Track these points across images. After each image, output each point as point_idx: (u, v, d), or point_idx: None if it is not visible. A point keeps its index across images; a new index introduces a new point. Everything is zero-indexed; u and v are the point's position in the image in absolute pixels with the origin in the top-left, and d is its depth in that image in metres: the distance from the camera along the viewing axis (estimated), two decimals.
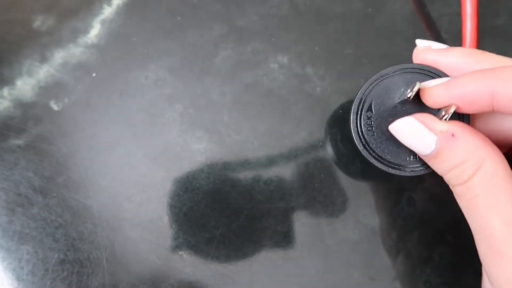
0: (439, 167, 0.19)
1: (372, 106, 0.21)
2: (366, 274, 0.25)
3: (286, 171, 0.26)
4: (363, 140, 0.21)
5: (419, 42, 0.22)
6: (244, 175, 0.26)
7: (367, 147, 0.21)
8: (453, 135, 0.18)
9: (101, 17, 0.26)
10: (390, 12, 0.27)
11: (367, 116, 0.21)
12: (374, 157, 0.21)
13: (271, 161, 0.26)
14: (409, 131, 0.19)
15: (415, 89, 0.19)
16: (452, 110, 0.19)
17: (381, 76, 0.21)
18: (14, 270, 0.24)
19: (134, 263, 0.24)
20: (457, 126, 0.19)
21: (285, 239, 0.25)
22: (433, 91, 0.19)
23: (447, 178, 0.19)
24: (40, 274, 0.24)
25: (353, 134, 0.21)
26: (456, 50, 0.20)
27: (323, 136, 0.26)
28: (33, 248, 0.24)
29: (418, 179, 0.26)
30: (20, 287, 0.24)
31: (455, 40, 0.27)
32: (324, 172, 0.26)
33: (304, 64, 0.26)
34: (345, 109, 0.26)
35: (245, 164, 0.26)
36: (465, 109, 0.19)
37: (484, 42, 0.25)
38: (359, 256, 0.25)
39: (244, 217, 0.25)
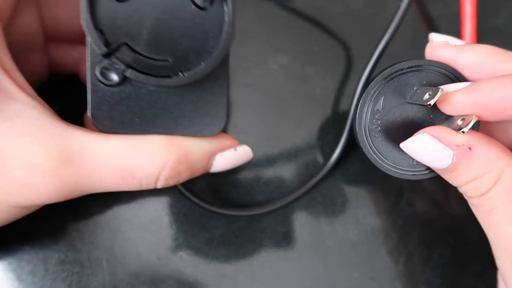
0: (455, 180, 0.18)
1: (381, 103, 0.20)
2: (366, 274, 0.25)
3: (286, 171, 0.26)
4: (368, 139, 0.20)
5: (435, 37, 0.20)
6: (244, 175, 0.26)
7: (372, 147, 0.20)
8: (470, 148, 0.17)
9: None
10: (390, 12, 0.27)
11: (374, 113, 0.20)
12: (377, 158, 0.20)
13: (271, 161, 0.26)
14: (423, 148, 0.18)
15: (438, 95, 0.17)
16: (473, 122, 0.17)
17: (395, 72, 0.20)
18: (14, 270, 0.24)
19: (134, 263, 0.24)
20: (474, 138, 0.17)
21: (285, 239, 0.25)
22: (454, 98, 0.17)
23: (463, 190, 0.18)
24: (40, 274, 0.24)
25: (357, 133, 0.20)
26: (478, 47, 0.19)
27: (323, 137, 0.26)
28: (33, 248, 0.24)
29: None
30: (20, 287, 0.24)
31: None
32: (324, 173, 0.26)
33: (304, 64, 0.26)
34: (345, 109, 0.26)
35: (245, 164, 0.26)
36: (488, 117, 0.17)
37: (483, 42, 0.25)
38: (359, 256, 0.25)
39: (244, 217, 0.25)
